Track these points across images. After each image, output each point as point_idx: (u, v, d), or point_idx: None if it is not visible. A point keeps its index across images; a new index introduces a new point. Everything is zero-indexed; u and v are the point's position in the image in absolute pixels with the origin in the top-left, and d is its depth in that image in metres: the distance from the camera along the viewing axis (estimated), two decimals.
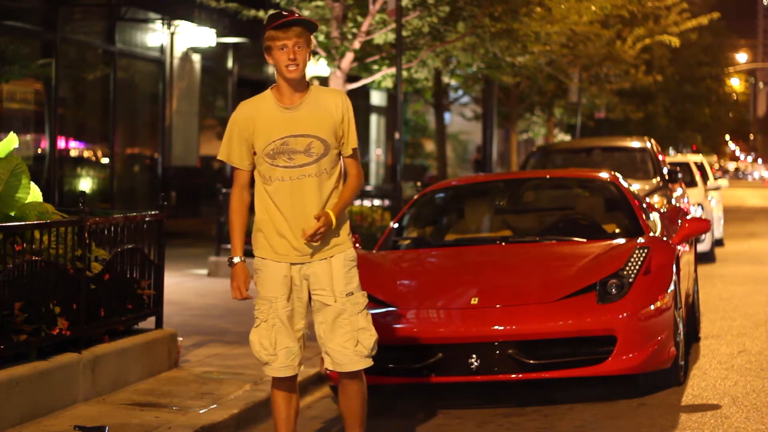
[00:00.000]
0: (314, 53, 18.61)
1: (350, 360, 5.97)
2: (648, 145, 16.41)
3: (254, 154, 5.99)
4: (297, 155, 5.92)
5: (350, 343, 5.96)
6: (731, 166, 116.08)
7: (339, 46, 16.63)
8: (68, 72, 19.68)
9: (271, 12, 17.23)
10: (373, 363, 6.06)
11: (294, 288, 6.01)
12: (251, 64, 26.42)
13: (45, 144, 18.82)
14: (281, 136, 5.93)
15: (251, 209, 6.18)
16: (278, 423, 6.08)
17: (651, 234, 8.90)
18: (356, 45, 16.85)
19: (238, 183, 6.08)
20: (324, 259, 5.98)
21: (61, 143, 19.27)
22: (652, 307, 7.87)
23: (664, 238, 8.94)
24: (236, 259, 6.08)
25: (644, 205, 9.62)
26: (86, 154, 20.72)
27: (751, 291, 14.11)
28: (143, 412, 7.30)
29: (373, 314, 6.31)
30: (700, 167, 22.21)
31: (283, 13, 5.94)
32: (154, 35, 22.18)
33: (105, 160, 20.90)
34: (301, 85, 5.97)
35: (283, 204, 5.95)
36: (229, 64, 25.25)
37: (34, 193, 7.81)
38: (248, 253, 6.08)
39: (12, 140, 7.86)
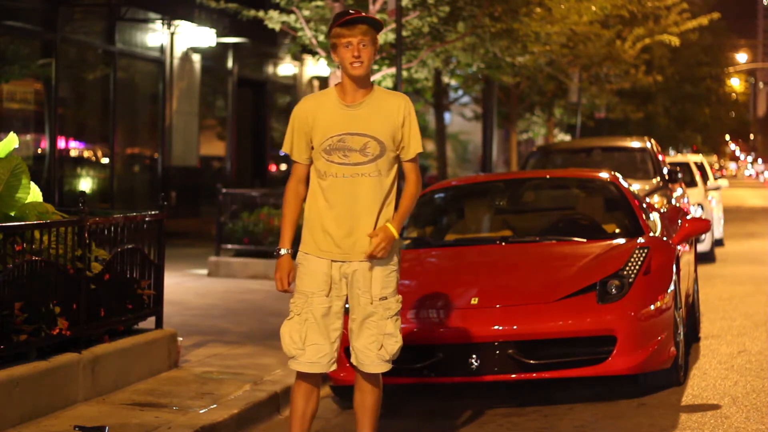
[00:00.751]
0: (314, 53, 18.65)
1: (371, 362, 5.99)
2: (648, 145, 16.41)
3: (312, 148, 6.00)
4: (352, 153, 5.93)
5: (374, 345, 5.97)
6: (733, 166, 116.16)
7: None
8: (68, 72, 19.68)
9: (272, 12, 17.27)
10: (391, 367, 6.06)
11: (333, 286, 6.00)
12: (251, 64, 26.42)
13: (45, 144, 18.82)
14: (339, 133, 5.94)
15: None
16: (294, 419, 6.06)
17: (651, 234, 8.90)
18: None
19: (295, 176, 6.10)
20: (365, 261, 5.96)
21: (61, 143, 19.27)
22: (652, 307, 7.87)
23: (664, 238, 8.94)
24: (283, 251, 6.04)
25: (644, 205, 9.62)
26: (86, 154, 20.72)
27: (751, 291, 14.11)
28: (143, 412, 7.30)
29: None
30: (700, 167, 22.21)
31: (350, 11, 5.98)
32: (154, 35, 22.18)
33: (105, 160, 20.90)
34: (365, 83, 5.98)
35: (336, 200, 5.95)
36: (229, 64, 25.25)
37: (34, 193, 7.81)
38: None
39: (12, 140, 7.86)
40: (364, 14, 5.96)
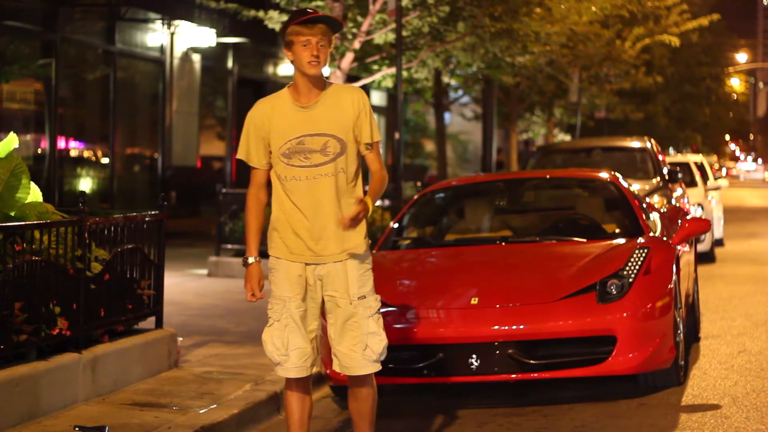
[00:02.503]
0: None
1: (358, 364, 5.93)
2: (648, 145, 16.41)
3: (270, 153, 5.96)
4: (313, 154, 5.89)
5: (359, 347, 5.92)
6: (741, 166, 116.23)
7: (339, 46, 16.63)
8: (68, 72, 19.68)
9: (272, 12, 17.27)
10: (380, 367, 6.01)
11: (308, 288, 5.96)
12: (251, 64, 26.43)
13: (45, 144, 18.82)
14: (297, 135, 5.89)
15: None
16: (291, 425, 6.02)
17: (651, 234, 8.90)
18: (356, 45, 16.85)
19: (255, 182, 6.02)
20: (339, 261, 5.93)
21: (61, 143, 19.27)
22: (652, 307, 7.87)
23: (664, 238, 8.94)
24: (251, 259, 5.96)
25: (644, 205, 9.62)
26: (86, 154, 20.73)
27: (751, 291, 14.11)
28: (143, 412, 7.30)
29: None
30: (700, 167, 22.21)
31: (308, 10, 5.94)
32: (154, 35, 22.18)
33: (105, 160, 20.91)
34: (319, 83, 5.94)
35: (301, 203, 5.90)
36: (229, 64, 25.26)
37: (34, 193, 7.81)
38: (264, 254, 6.00)
39: (12, 140, 7.86)
40: (324, 14, 5.90)
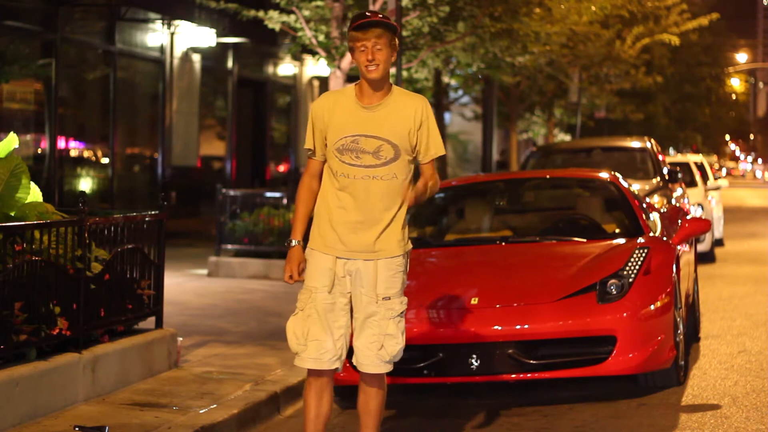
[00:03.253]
0: (314, 53, 18.65)
1: (371, 362, 5.95)
2: (648, 145, 16.41)
3: (326, 146, 5.99)
4: (365, 155, 5.90)
5: (375, 345, 5.93)
6: (744, 166, 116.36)
7: (339, 46, 16.63)
8: (68, 72, 19.68)
9: (272, 12, 17.27)
10: (392, 368, 6.01)
11: (337, 282, 5.96)
12: (251, 64, 26.42)
13: (45, 144, 18.82)
14: (353, 134, 5.91)
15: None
16: (306, 421, 6.01)
17: (651, 234, 8.90)
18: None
19: (309, 171, 6.08)
20: (370, 261, 5.94)
21: (61, 143, 19.27)
22: (652, 307, 7.88)
23: (664, 238, 8.94)
24: (294, 242, 6.00)
25: (644, 205, 9.62)
26: (86, 154, 20.72)
27: (751, 291, 14.11)
28: (143, 412, 7.30)
29: None
30: (700, 167, 22.22)
31: (366, 13, 5.94)
32: (154, 35, 22.18)
33: (105, 160, 20.90)
34: (383, 86, 5.94)
35: (346, 199, 5.93)
36: (229, 64, 25.25)
37: (34, 193, 7.81)
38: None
39: (12, 140, 7.86)
40: (379, 17, 5.89)
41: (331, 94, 6.13)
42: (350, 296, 6.01)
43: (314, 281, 5.96)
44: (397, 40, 5.98)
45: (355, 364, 6.03)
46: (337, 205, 5.95)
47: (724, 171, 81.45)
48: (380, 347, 5.93)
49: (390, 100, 5.95)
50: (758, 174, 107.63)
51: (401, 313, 5.99)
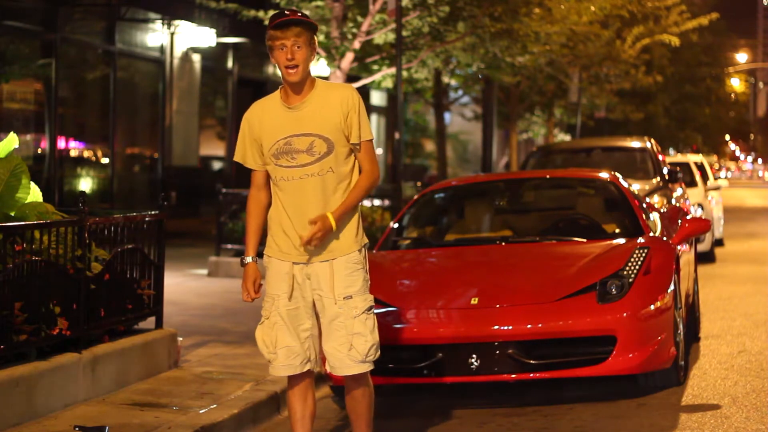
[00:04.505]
0: None
1: (342, 364, 5.92)
2: (648, 145, 16.42)
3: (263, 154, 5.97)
4: (299, 155, 5.88)
5: (344, 347, 5.89)
6: (749, 166, 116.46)
7: (339, 46, 16.64)
8: (68, 72, 19.68)
9: (272, 12, 17.28)
10: (371, 368, 5.97)
11: (296, 286, 5.96)
12: (251, 64, 26.42)
13: (45, 144, 18.82)
14: (284, 136, 5.89)
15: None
16: (294, 424, 6.03)
17: (651, 234, 8.90)
18: (356, 45, 16.85)
19: (254, 184, 6.06)
20: (325, 261, 5.92)
21: (61, 143, 19.27)
22: (652, 307, 7.87)
23: (664, 238, 8.94)
24: (248, 259, 5.99)
25: (644, 205, 9.62)
26: (86, 154, 20.73)
27: (751, 291, 14.11)
28: (143, 412, 7.30)
29: None
30: (700, 167, 22.22)
31: (285, 12, 5.90)
32: (154, 35, 22.18)
33: (105, 160, 20.91)
34: (305, 83, 5.92)
35: (288, 203, 5.92)
36: (229, 64, 25.26)
37: (34, 193, 7.81)
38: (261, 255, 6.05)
39: (12, 140, 7.86)
40: (298, 15, 5.86)
41: (259, 102, 6.09)
42: (312, 299, 5.98)
43: (275, 288, 5.96)
44: (316, 39, 5.94)
45: (329, 369, 6.01)
46: (284, 210, 5.94)
47: (728, 173, 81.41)
48: (350, 348, 5.89)
49: (315, 95, 5.92)
50: (759, 173, 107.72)
51: (367, 310, 5.93)
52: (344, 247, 5.93)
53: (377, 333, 5.98)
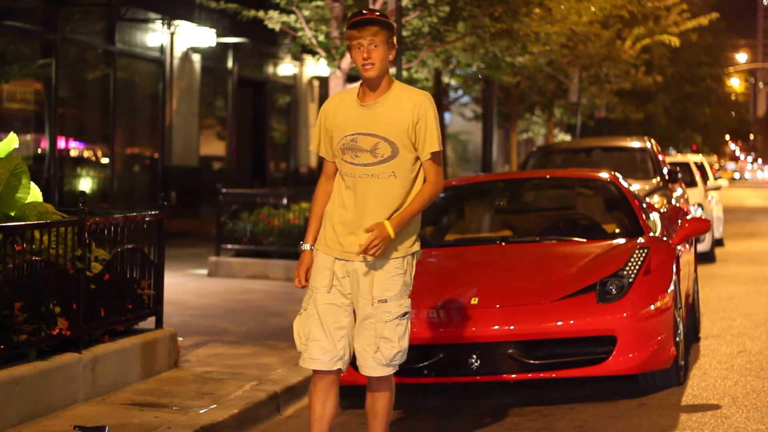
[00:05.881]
0: (314, 53, 18.65)
1: (367, 364, 5.92)
2: (648, 145, 16.42)
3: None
4: (363, 154, 5.88)
5: (371, 348, 5.89)
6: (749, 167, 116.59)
7: (339, 46, 16.63)
8: (68, 72, 19.68)
9: (272, 12, 17.28)
10: (394, 371, 5.95)
11: (337, 282, 5.94)
12: (251, 64, 26.42)
13: (45, 144, 18.82)
14: (352, 132, 5.90)
15: None
16: (311, 423, 5.99)
17: (651, 234, 8.90)
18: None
19: (324, 173, 6.10)
20: (367, 262, 5.90)
21: (61, 143, 19.27)
22: (652, 307, 7.87)
23: (664, 238, 8.94)
24: (305, 246, 6.03)
25: (644, 205, 9.62)
26: (86, 154, 20.73)
27: (751, 291, 14.11)
28: (143, 412, 7.30)
29: None
30: (700, 167, 22.22)
31: (363, 11, 5.92)
32: (154, 35, 22.18)
33: (105, 160, 20.91)
34: (382, 83, 5.91)
35: (346, 199, 5.93)
36: (229, 64, 25.25)
37: (34, 193, 7.81)
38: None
39: (12, 140, 7.86)
40: (376, 14, 5.87)
41: (338, 94, 6.15)
42: (351, 297, 5.99)
43: (315, 281, 5.98)
44: (395, 38, 5.95)
45: (357, 365, 6.02)
46: (340, 204, 5.96)
47: (736, 174, 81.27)
48: (376, 350, 5.88)
49: (389, 96, 5.92)
50: (759, 175, 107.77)
51: (400, 316, 5.91)
52: (390, 251, 5.93)
53: (407, 339, 5.96)
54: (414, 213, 5.93)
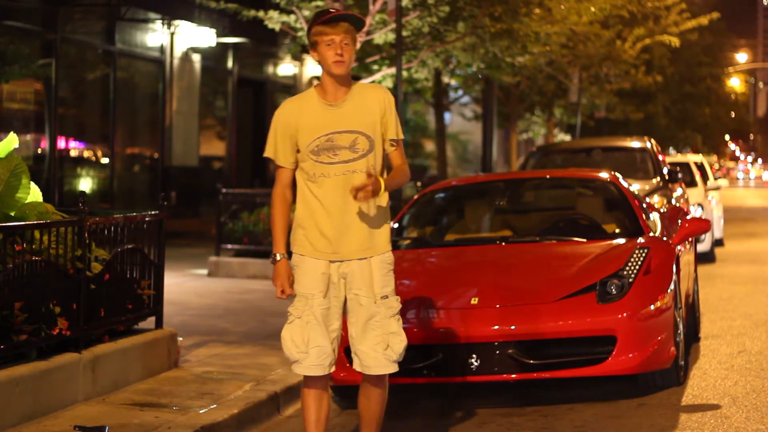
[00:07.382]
0: None
1: (378, 363, 5.93)
2: (648, 145, 16.42)
3: (298, 151, 5.98)
4: (342, 151, 5.90)
5: (380, 346, 5.92)
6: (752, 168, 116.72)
7: None
8: (68, 72, 19.68)
9: (272, 12, 17.29)
10: (398, 368, 6.01)
11: (331, 286, 5.96)
12: (251, 64, 26.42)
13: (45, 144, 18.82)
14: (325, 133, 5.91)
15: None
16: (308, 425, 6.00)
17: (651, 234, 8.90)
18: (356, 45, 16.84)
19: (281, 182, 6.06)
20: (363, 259, 5.93)
21: (61, 143, 19.27)
22: (652, 307, 7.87)
23: (664, 238, 8.94)
24: (279, 256, 5.97)
25: (644, 205, 9.62)
26: (86, 154, 20.73)
27: (751, 291, 14.11)
28: (143, 412, 7.30)
29: None
30: (700, 167, 22.22)
31: (331, 9, 5.96)
32: (154, 35, 22.18)
33: (105, 160, 20.91)
34: (346, 81, 5.97)
35: (328, 200, 5.92)
36: (229, 64, 25.25)
37: (34, 193, 7.81)
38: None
39: (12, 140, 7.86)
40: (347, 12, 5.94)
41: (292, 99, 6.12)
42: (344, 299, 6.00)
43: (309, 288, 5.94)
44: (357, 36, 6.02)
45: (359, 369, 6.01)
46: (320, 207, 5.93)
47: (740, 174, 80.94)
48: (386, 347, 5.92)
49: (354, 93, 5.98)
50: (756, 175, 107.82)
51: (399, 310, 6.02)
52: (380, 246, 5.97)
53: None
54: (398, 182, 6.03)
